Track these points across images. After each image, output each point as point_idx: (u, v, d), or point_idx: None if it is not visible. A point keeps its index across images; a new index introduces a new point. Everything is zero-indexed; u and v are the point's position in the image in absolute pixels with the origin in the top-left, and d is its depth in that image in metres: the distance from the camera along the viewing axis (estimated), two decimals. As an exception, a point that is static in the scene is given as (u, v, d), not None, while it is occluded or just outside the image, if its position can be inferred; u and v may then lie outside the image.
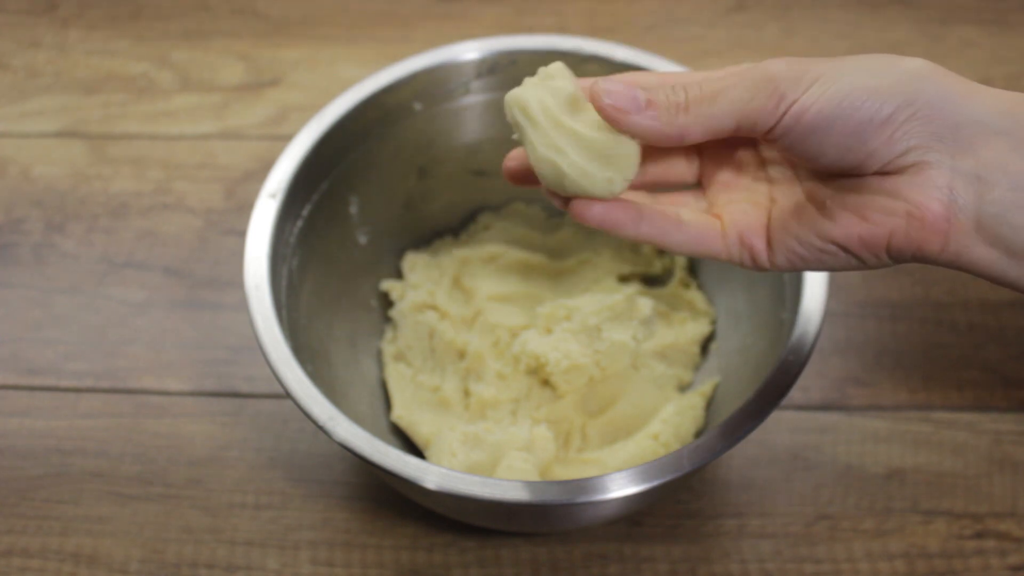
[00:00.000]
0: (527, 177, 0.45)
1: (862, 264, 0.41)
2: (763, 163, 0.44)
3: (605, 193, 0.41)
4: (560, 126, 0.41)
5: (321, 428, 0.48)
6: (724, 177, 0.45)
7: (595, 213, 0.41)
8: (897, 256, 0.40)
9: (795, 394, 0.62)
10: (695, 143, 0.41)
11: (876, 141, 0.38)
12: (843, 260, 0.41)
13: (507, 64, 0.61)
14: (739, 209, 0.43)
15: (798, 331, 0.51)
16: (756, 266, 0.43)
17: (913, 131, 0.38)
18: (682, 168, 0.46)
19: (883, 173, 0.39)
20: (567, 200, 0.43)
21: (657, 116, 0.40)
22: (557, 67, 0.43)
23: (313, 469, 0.61)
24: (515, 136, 0.42)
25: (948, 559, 0.57)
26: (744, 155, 0.44)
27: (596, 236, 0.67)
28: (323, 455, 0.61)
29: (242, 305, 0.62)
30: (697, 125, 0.40)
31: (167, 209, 0.73)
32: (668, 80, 0.41)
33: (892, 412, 0.62)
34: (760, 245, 0.42)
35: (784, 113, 0.39)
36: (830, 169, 0.40)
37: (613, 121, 0.40)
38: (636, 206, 0.42)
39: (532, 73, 0.58)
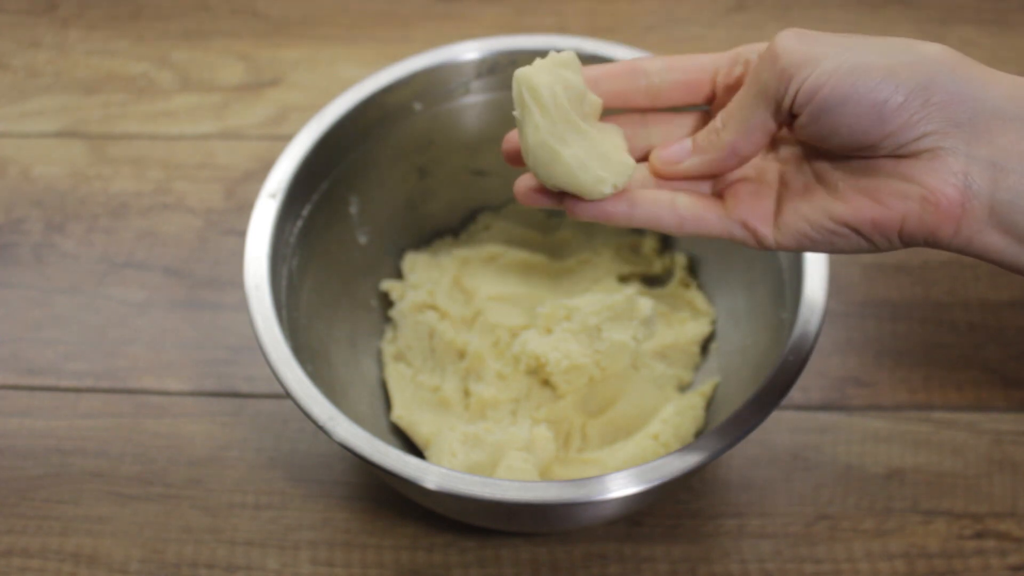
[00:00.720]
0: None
1: (872, 247, 0.41)
2: (774, 142, 0.44)
3: (593, 192, 0.41)
4: (568, 120, 0.41)
5: (321, 428, 0.48)
6: None
7: (587, 209, 0.42)
8: (908, 240, 0.40)
9: (795, 394, 0.62)
10: (751, 156, 0.42)
11: (893, 124, 0.38)
12: (854, 242, 0.41)
13: (507, 64, 0.61)
14: (746, 189, 0.43)
15: (798, 331, 0.51)
16: (761, 247, 0.42)
17: (930, 116, 0.38)
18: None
19: (897, 156, 0.39)
20: (559, 196, 0.43)
21: (703, 150, 0.41)
22: (570, 57, 0.42)
23: (313, 469, 0.61)
24: (515, 113, 0.42)
25: (948, 559, 0.57)
26: None
27: (596, 236, 0.67)
28: (323, 455, 0.61)
29: (242, 305, 0.62)
30: (739, 134, 0.41)
31: (167, 209, 0.73)
32: (676, 63, 0.43)
33: (892, 412, 0.62)
34: (765, 228, 0.42)
35: (797, 91, 0.39)
36: (844, 149, 0.40)
37: (665, 176, 0.42)
38: (628, 197, 0.42)
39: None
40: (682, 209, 0.42)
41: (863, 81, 0.38)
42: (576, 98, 0.42)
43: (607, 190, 0.41)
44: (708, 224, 0.42)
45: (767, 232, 0.42)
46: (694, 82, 0.43)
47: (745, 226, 0.42)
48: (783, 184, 0.42)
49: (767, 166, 0.43)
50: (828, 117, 0.38)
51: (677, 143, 0.42)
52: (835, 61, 0.38)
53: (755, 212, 0.42)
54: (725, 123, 0.41)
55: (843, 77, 0.38)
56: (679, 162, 0.42)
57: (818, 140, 0.40)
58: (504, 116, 0.63)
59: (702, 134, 0.42)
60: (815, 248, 0.41)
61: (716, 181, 0.43)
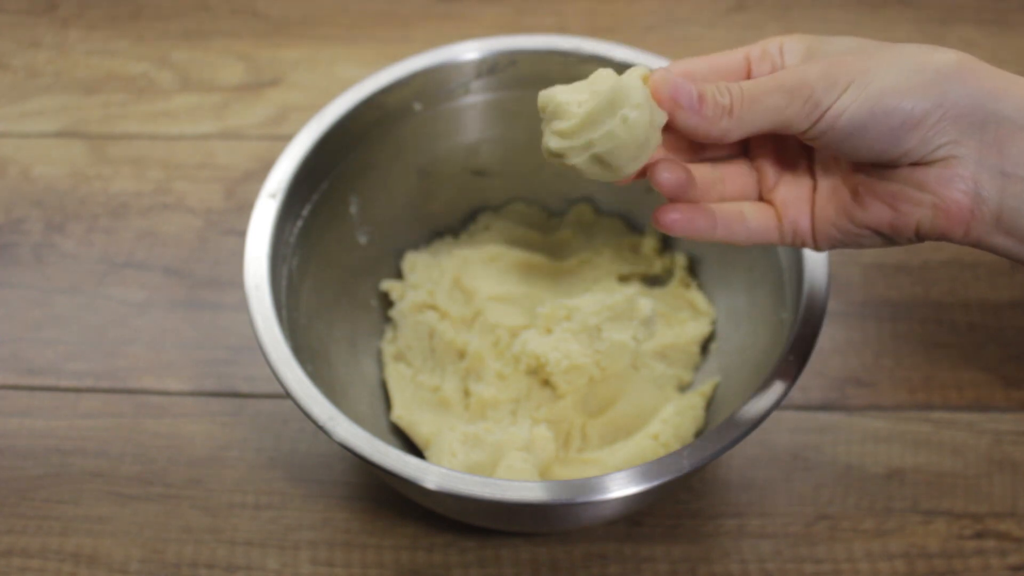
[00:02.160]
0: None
1: (893, 243, 0.43)
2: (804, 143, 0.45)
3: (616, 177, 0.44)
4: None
5: (321, 428, 0.48)
6: (772, 153, 0.46)
7: (679, 224, 0.44)
8: (924, 237, 0.42)
9: (795, 394, 0.62)
10: (733, 142, 0.44)
11: (910, 142, 0.40)
12: (877, 241, 0.44)
13: (507, 64, 0.61)
14: (790, 194, 0.45)
15: (798, 331, 0.51)
16: (805, 248, 0.46)
17: (944, 130, 0.40)
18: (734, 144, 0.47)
19: (913, 164, 0.41)
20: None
21: (705, 116, 0.42)
22: (547, 101, 0.44)
23: (313, 469, 0.61)
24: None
25: (948, 559, 0.57)
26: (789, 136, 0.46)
27: (596, 236, 0.67)
28: (323, 455, 0.61)
29: (242, 305, 0.62)
30: (737, 128, 0.42)
31: (167, 209, 0.73)
32: (716, 64, 0.44)
33: (892, 412, 0.62)
34: (809, 233, 0.45)
35: (819, 119, 0.40)
36: (864, 162, 0.42)
37: (666, 108, 0.42)
38: (712, 214, 0.44)
39: (532, 73, 0.58)
40: (751, 223, 0.45)
41: (882, 106, 0.39)
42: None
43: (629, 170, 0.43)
44: (770, 235, 0.45)
45: (810, 236, 0.45)
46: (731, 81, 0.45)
47: (796, 233, 0.45)
48: (815, 191, 0.45)
49: (801, 166, 0.45)
50: (848, 142, 0.41)
51: (685, 83, 0.42)
52: (857, 88, 0.40)
53: (802, 219, 0.45)
54: (732, 111, 0.42)
55: (860, 106, 0.40)
56: (682, 108, 0.42)
57: (838, 156, 0.43)
58: (504, 116, 0.63)
59: (709, 96, 0.42)
60: (845, 246, 0.45)
61: (763, 187, 0.46)
